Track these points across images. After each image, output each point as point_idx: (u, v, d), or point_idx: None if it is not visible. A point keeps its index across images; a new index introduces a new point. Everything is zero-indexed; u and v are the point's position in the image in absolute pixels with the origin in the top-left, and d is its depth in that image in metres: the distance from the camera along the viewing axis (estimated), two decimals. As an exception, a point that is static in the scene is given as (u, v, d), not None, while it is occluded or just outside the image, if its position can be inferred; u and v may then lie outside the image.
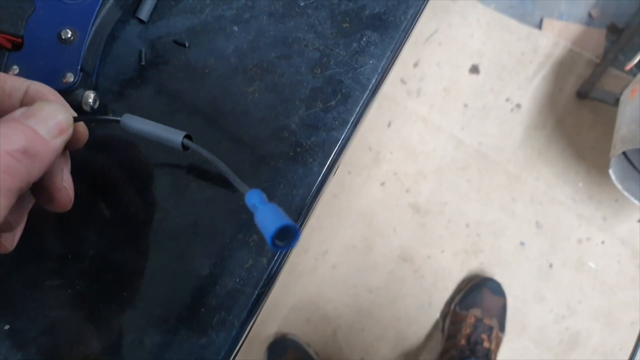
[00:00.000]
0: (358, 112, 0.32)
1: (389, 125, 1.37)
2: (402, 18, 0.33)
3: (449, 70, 1.41)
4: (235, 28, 0.33)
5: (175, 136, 0.27)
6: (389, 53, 0.33)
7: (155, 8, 0.33)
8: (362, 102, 0.32)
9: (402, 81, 1.40)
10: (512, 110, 1.38)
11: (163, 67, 0.32)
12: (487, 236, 1.31)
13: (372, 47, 0.33)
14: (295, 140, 0.32)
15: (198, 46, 0.33)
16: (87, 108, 0.30)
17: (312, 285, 1.26)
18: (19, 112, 0.23)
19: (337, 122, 0.32)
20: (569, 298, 1.27)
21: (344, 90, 0.32)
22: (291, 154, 0.32)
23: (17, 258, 0.30)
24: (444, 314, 1.25)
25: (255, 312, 0.30)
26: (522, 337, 1.24)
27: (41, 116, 0.23)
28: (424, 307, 1.27)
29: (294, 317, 1.24)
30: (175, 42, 0.33)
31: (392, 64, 0.33)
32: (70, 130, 0.25)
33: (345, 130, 0.32)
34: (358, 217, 1.31)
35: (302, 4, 0.34)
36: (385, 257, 1.29)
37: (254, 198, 0.23)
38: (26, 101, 0.25)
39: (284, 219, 0.20)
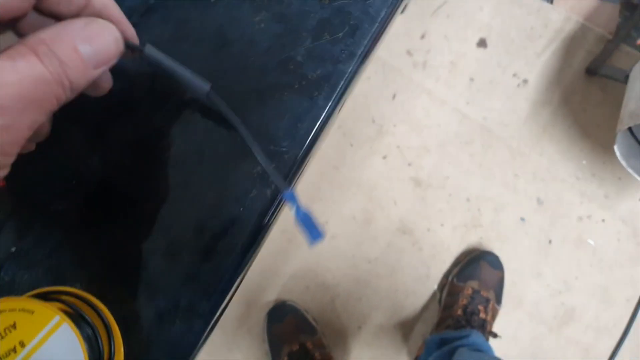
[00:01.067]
0: (366, 45, 0.31)
1: (394, 97, 1.36)
2: (414, -50, 0.32)
3: (456, 43, 1.40)
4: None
5: (200, 84, 0.27)
6: (399, -14, 0.32)
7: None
8: (370, 35, 0.31)
9: (409, 53, 1.38)
10: (518, 85, 1.36)
11: (169, -5, 0.32)
12: (488, 211, 1.31)
13: (382, -21, 0.32)
14: (301, 72, 0.31)
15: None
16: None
17: (311, 254, 1.27)
18: (77, 26, 0.21)
19: (344, 55, 0.31)
20: (566, 274, 1.28)
21: (352, 22, 0.32)
22: (296, 86, 0.31)
23: (24, 182, 0.30)
24: (442, 286, 1.27)
25: (259, 240, 0.30)
26: (517, 311, 1.26)
27: (97, 42, 0.21)
28: (421, 279, 1.28)
29: (293, 285, 1.25)
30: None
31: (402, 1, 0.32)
32: (114, 61, 0.23)
33: (353, 64, 0.31)
34: (359, 189, 1.31)
35: None
36: (385, 229, 1.29)
37: (292, 198, 0.26)
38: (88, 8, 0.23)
39: (319, 231, 0.26)
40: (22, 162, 0.30)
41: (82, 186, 0.30)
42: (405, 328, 1.26)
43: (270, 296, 1.24)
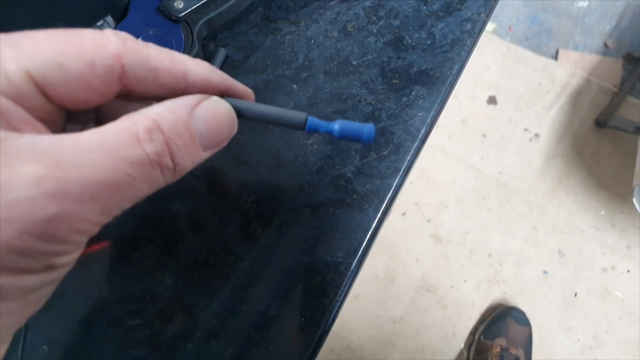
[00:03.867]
0: (409, 160, 0.35)
1: (409, 155, 1.40)
2: (448, 73, 0.36)
3: (467, 101, 1.45)
4: (295, 86, 0.36)
5: (297, 117, 0.24)
6: (436, 105, 0.35)
7: (221, 69, 0.37)
8: (412, 151, 0.35)
9: (421, 113, 1.43)
10: (530, 140, 1.40)
11: (229, 121, 0.36)
12: (510, 265, 1.31)
13: (420, 101, 0.36)
14: (351, 187, 0.34)
15: (262, 103, 0.36)
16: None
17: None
18: (189, 101, 0.19)
19: (389, 170, 0.34)
20: (595, 328, 1.26)
21: (395, 141, 0.35)
22: (348, 200, 0.34)
23: (101, 300, 0.32)
24: (469, 344, 1.25)
25: (318, 348, 0.32)
26: (549, 369, 1.23)
27: (212, 120, 0.19)
28: (447, 337, 1.26)
29: (318, 348, 1.24)
30: (241, 99, 0.36)
31: (439, 115, 0.35)
32: (227, 141, 0.21)
33: (398, 178, 0.34)
34: (380, 247, 1.32)
35: (354, 62, 0.37)
36: (408, 288, 1.29)
37: (317, 125, 0.25)
38: (189, 88, 0.21)
39: (365, 127, 0.24)
40: (100, 279, 0.33)
41: (155, 302, 0.33)
42: (434, 389, 1.23)
43: (296, 361, 1.23)
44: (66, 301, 0.32)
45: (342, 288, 0.33)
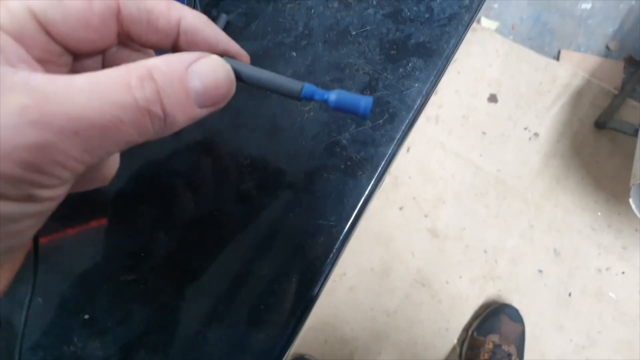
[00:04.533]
0: (404, 130, 0.35)
1: (408, 150, 1.40)
2: (445, 46, 0.37)
3: (467, 98, 1.45)
4: (294, 54, 0.37)
5: (293, 85, 0.23)
6: (432, 77, 0.36)
7: (222, 34, 0.37)
8: (407, 121, 0.35)
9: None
10: (530, 138, 1.40)
11: (228, 86, 0.36)
12: (505, 263, 1.31)
13: (417, 72, 0.36)
14: (346, 154, 0.35)
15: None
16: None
17: (329, 307, 1.27)
18: (187, 57, 0.19)
19: (384, 139, 0.35)
20: (588, 328, 1.26)
21: (391, 110, 0.35)
22: (342, 167, 0.35)
23: (95, 254, 0.33)
24: (462, 340, 1.25)
25: (308, 310, 0.33)
26: (541, 366, 1.23)
27: (209, 78, 0.19)
28: (441, 332, 1.27)
29: (311, 338, 1.25)
30: (240, 64, 0.36)
31: (435, 87, 0.36)
32: (224, 103, 0.21)
33: (392, 146, 0.35)
34: (376, 240, 1.33)
35: (353, 33, 0.37)
36: (403, 281, 1.30)
37: (313, 91, 0.24)
38: (180, 35, 0.21)
39: (362, 99, 0.23)
40: (96, 235, 0.33)
41: (150, 259, 0.33)
42: (426, 383, 1.24)
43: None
44: (61, 255, 0.33)
45: (333, 251, 0.34)
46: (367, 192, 0.34)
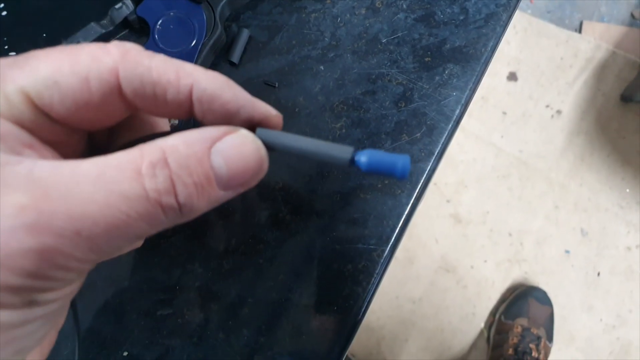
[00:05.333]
0: (443, 143, 0.33)
1: (427, 134, 1.37)
2: (483, 50, 0.34)
3: (486, 78, 1.41)
4: (321, 67, 0.35)
5: (341, 152, 0.21)
6: (471, 84, 0.34)
7: (245, 51, 0.35)
8: (446, 133, 0.33)
9: (439, 90, 1.40)
10: (552, 116, 1.36)
11: (254, 105, 0.34)
12: (531, 245, 1.29)
13: (454, 80, 0.34)
14: (383, 172, 0.33)
15: (287, 86, 0.35)
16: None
17: (354, 296, 1.26)
18: (206, 140, 0.16)
19: (423, 154, 0.33)
20: (619, 307, 1.24)
21: (428, 122, 0.33)
22: (379, 186, 0.33)
23: (132, 290, 0.32)
24: (489, 324, 1.24)
25: (351, 338, 0.31)
26: (570, 348, 1.22)
27: (235, 156, 0.17)
28: (468, 317, 1.26)
29: (338, 328, 1.25)
30: (266, 82, 0.35)
31: (474, 94, 0.34)
32: (255, 182, 0.19)
33: (432, 161, 0.33)
34: (398, 227, 1.31)
35: (384, 40, 0.35)
36: (427, 268, 1.29)
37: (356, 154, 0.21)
38: (194, 105, 0.19)
39: (398, 161, 0.20)
40: (129, 270, 0.32)
41: (185, 292, 0.32)
42: (454, 368, 1.24)
43: (317, 341, 1.24)
44: (96, 292, 0.32)
45: (375, 276, 0.32)
46: (407, 212, 0.33)
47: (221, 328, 0.31)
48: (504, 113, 1.38)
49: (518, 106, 1.38)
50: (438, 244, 1.30)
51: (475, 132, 1.37)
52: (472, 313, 1.26)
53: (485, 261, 1.28)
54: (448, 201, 1.32)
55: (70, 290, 0.17)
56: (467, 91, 0.34)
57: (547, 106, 1.38)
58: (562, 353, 1.21)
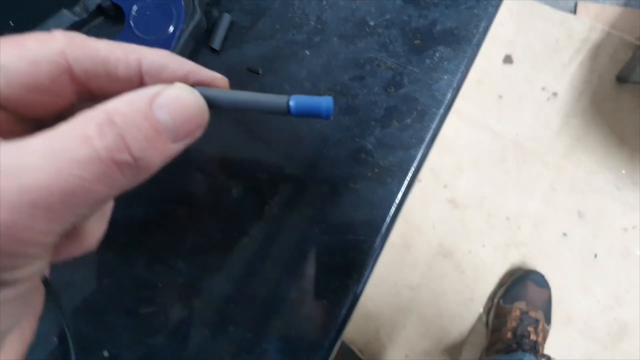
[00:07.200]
0: (434, 128, 0.32)
1: (422, 120, 1.36)
2: (475, 31, 0.33)
3: (481, 61, 1.39)
4: (307, 52, 0.33)
5: (278, 101, 0.22)
6: (462, 67, 0.32)
7: (226, 37, 0.34)
8: (437, 118, 0.32)
9: (434, 75, 1.38)
10: (548, 99, 1.35)
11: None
12: (528, 228, 1.29)
13: (445, 63, 0.33)
14: (372, 160, 0.32)
15: (272, 72, 0.33)
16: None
17: (352, 283, 1.26)
18: (146, 96, 0.17)
19: (413, 140, 0.32)
20: (615, 288, 1.24)
21: (419, 108, 0.32)
22: (369, 174, 0.32)
23: (112, 288, 0.31)
24: (488, 308, 1.24)
25: (342, 330, 0.30)
26: (568, 329, 1.22)
27: (176, 107, 0.17)
28: (466, 302, 1.26)
29: (336, 316, 1.25)
30: (249, 69, 0.33)
31: (465, 77, 0.32)
32: (200, 131, 0.19)
33: (422, 148, 0.32)
34: (395, 214, 1.30)
35: (372, 23, 0.34)
36: (425, 254, 1.28)
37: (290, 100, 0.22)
38: (144, 78, 0.19)
39: (323, 102, 0.22)
40: (110, 267, 0.31)
41: (169, 289, 0.31)
42: (453, 353, 1.24)
43: (315, 330, 1.24)
44: (75, 291, 0.31)
45: (365, 267, 0.31)
46: (397, 201, 0.32)
47: (206, 325, 0.30)
48: (500, 96, 1.36)
49: (514, 89, 1.37)
50: (435, 230, 1.29)
51: (470, 116, 1.35)
52: (471, 298, 1.26)
53: (483, 245, 1.28)
54: (445, 186, 1.31)
55: (38, 267, 0.16)
56: (459, 74, 0.32)
57: (543, 89, 1.36)
58: (560, 335, 1.21)
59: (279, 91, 0.33)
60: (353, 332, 1.23)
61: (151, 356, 0.30)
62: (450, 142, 1.33)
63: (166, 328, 0.31)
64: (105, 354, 0.30)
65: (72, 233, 0.20)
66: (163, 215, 0.32)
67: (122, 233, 0.32)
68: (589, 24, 1.38)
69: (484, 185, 1.31)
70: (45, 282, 0.21)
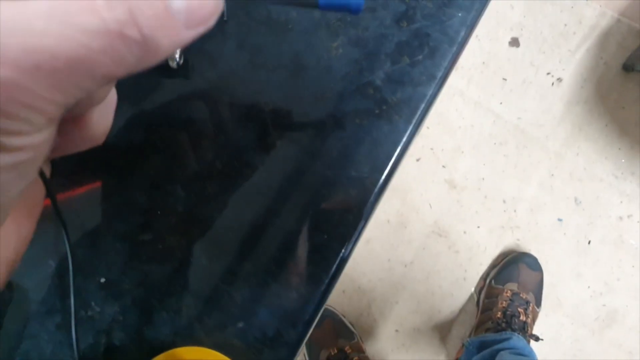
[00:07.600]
0: (446, 66, 0.31)
1: (425, 99, 1.35)
2: (492, -32, 0.32)
3: (488, 43, 1.37)
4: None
5: None
6: (477, 4, 0.31)
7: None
8: (450, 56, 0.31)
9: (439, 54, 1.36)
10: (553, 84, 1.33)
11: (244, 21, 0.32)
12: (524, 212, 1.29)
13: (460, -1, 0.32)
14: (380, 96, 0.31)
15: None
16: (173, 64, 0.30)
17: (346, 258, 1.26)
18: None
19: (424, 77, 0.31)
20: (607, 275, 1.25)
21: (431, 44, 0.31)
22: (376, 111, 0.31)
23: (107, 213, 0.30)
24: (479, 288, 1.25)
25: (342, 267, 0.30)
26: (557, 313, 1.23)
27: None
28: (458, 282, 1.26)
29: (328, 290, 1.25)
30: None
31: (480, 17, 0.31)
32: (213, 20, 0.18)
33: (433, 86, 0.31)
34: (393, 192, 1.30)
35: (386, -46, 0.32)
36: (420, 233, 1.28)
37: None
38: None
39: None
40: (107, 193, 0.30)
41: (166, 216, 0.30)
42: (442, 331, 1.25)
43: (307, 302, 1.24)
44: (71, 215, 0.30)
45: (367, 204, 0.30)
46: (404, 139, 0.31)
47: (203, 254, 0.30)
48: (504, 79, 1.35)
49: (519, 73, 1.35)
50: (432, 209, 1.29)
51: (474, 98, 1.34)
52: (463, 278, 1.26)
53: (478, 227, 1.28)
54: (444, 167, 1.31)
55: (39, 140, 0.15)
56: (473, 12, 0.31)
57: (548, 74, 1.35)
58: (550, 318, 1.22)
59: (287, 20, 0.32)
60: (346, 305, 1.24)
61: (147, 282, 0.30)
62: (452, 123, 1.32)
63: (163, 255, 0.30)
64: (102, 280, 0.30)
65: (77, 121, 0.19)
66: (162, 140, 0.31)
67: (120, 157, 0.31)
68: (599, 10, 1.36)
69: (483, 167, 1.30)
70: (42, 175, 0.20)
